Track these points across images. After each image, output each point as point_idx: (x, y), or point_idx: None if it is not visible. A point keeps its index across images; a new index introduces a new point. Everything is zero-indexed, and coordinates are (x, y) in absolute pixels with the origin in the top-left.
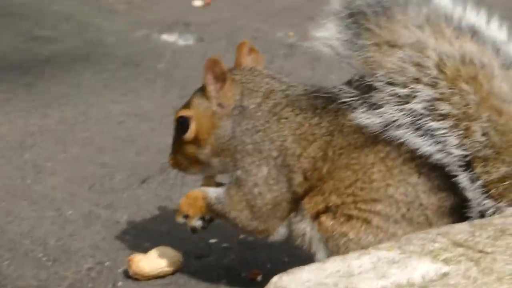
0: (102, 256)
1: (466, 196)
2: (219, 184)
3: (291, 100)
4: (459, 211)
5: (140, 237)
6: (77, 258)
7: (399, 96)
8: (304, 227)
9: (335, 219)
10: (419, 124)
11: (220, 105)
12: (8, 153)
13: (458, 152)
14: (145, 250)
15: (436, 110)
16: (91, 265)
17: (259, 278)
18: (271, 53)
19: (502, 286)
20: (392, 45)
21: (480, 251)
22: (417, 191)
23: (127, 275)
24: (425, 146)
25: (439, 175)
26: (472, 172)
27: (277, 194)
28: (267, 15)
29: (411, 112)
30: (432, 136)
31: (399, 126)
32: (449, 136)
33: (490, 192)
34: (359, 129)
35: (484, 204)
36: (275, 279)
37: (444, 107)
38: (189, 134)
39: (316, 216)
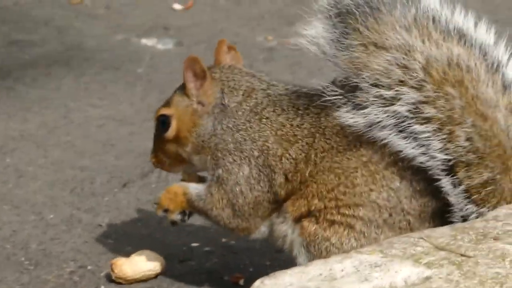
0: (84, 260)
1: (449, 201)
2: (200, 178)
3: (272, 100)
4: (442, 216)
5: (122, 241)
6: (59, 262)
7: (384, 98)
8: (286, 229)
9: (318, 223)
10: (402, 126)
11: (200, 102)
12: None
13: (441, 156)
14: (127, 254)
15: (421, 113)
16: (73, 268)
17: (241, 282)
18: (251, 57)
19: None
20: (379, 47)
21: (462, 255)
22: (399, 197)
23: (109, 278)
24: (408, 148)
25: (421, 180)
26: (454, 177)
27: (258, 193)
28: (247, 19)
29: (395, 114)
30: (416, 139)
31: (382, 128)
32: (432, 139)
33: (472, 197)
34: (342, 132)
35: (467, 209)
36: (257, 283)
37: (429, 111)
38: (170, 132)
39: (298, 220)
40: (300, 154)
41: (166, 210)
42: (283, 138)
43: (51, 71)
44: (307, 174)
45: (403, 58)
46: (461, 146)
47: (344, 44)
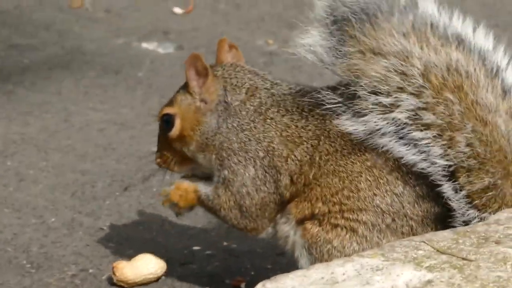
0: (85, 263)
1: (451, 206)
2: (204, 175)
3: (276, 100)
4: (444, 221)
5: (123, 244)
6: (61, 265)
7: (383, 105)
8: (288, 230)
9: (321, 226)
10: (402, 133)
11: (203, 100)
12: None
13: (442, 162)
14: (128, 257)
15: (420, 119)
16: (74, 272)
17: (242, 285)
18: (251, 61)
19: None
20: (377, 53)
21: (464, 259)
22: (403, 202)
23: (111, 282)
24: (409, 155)
25: (424, 185)
26: (456, 182)
27: (265, 194)
28: (246, 23)
29: (395, 121)
30: (416, 145)
31: (383, 135)
32: (432, 146)
33: (474, 203)
34: (347, 135)
35: (468, 214)
36: (258, 286)
37: (428, 117)
38: (174, 131)
39: (301, 222)
40: (305, 156)
41: (174, 204)
42: (288, 140)
43: (51, 75)
44: (311, 177)
45: (401, 65)
46: (461, 152)
47: (341, 51)
